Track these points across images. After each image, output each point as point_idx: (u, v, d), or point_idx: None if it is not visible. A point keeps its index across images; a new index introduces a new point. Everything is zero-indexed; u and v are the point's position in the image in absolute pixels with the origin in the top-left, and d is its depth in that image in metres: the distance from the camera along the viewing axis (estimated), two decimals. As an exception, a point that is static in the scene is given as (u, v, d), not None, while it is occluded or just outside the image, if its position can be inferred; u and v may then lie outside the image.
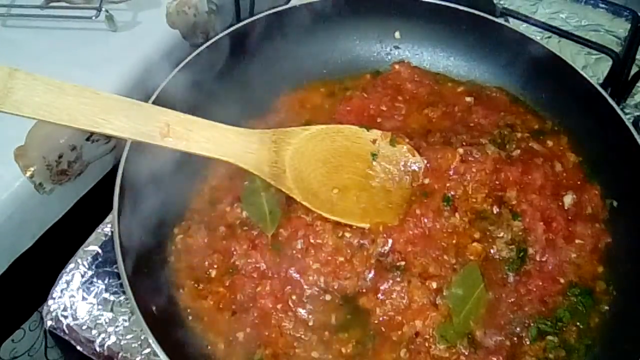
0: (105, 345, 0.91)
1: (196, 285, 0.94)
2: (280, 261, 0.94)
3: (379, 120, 1.12)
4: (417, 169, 1.03)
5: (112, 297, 0.95)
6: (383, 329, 0.91)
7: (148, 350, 0.91)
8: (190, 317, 0.92)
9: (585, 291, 0.94)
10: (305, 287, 0.93)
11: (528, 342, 0.90)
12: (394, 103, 1.15)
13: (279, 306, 0.91)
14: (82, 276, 0.97)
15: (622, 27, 1.33)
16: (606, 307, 0.93)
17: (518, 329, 0.90)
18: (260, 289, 0.92)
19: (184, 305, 0.93)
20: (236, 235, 0.98)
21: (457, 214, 0.97)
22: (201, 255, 0.97)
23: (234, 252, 0.96)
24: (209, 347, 0.90)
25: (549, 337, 0.90)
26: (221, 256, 0.96)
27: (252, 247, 0.96)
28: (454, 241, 0.96)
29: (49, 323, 0.94)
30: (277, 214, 0.99)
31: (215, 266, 0.96)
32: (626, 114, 1.15)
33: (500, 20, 1.18)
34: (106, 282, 0.97)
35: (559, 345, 0.89)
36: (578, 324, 0.92)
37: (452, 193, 0.99)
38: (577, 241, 0.97)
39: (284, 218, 0.98)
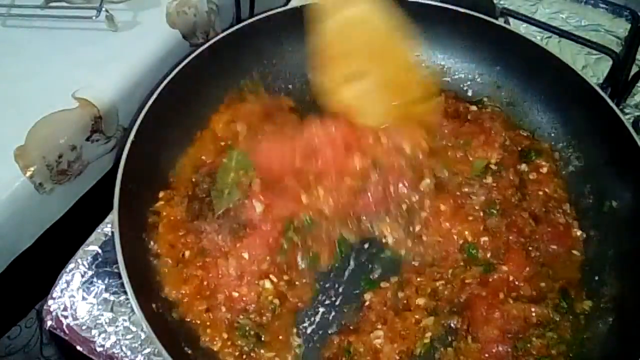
0: (105, 345, 0.91)
1: (194, 295, 0.94)
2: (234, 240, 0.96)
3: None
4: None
5: (112, 297, 0.95)
6: None
7: (148, 350, 0.91)
8: (189, 316, 0.92)
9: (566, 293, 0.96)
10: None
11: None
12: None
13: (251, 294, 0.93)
14: (82, 276, 0.97)
15: (622, 27, 1.33)
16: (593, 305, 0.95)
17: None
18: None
19: (179, 303, 0.93)
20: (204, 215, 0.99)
21: None
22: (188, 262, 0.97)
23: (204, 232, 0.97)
24: (209, 343, 0.91)
25: (549, 334, 0.91)
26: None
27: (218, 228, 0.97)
28: None
29: (49, 323, 0.94)
30: (234, 195, 1.00)
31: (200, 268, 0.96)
32: (626, 114, 1.15)
33: (500, 21, 1.19)
34: (106, 282, 0.97)
35: (560, 342, 0.91)
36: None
37: None
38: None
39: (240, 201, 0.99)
